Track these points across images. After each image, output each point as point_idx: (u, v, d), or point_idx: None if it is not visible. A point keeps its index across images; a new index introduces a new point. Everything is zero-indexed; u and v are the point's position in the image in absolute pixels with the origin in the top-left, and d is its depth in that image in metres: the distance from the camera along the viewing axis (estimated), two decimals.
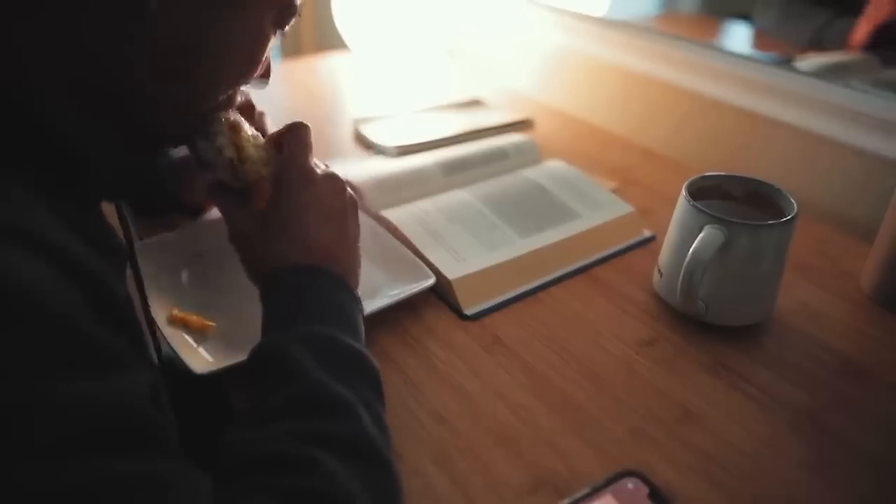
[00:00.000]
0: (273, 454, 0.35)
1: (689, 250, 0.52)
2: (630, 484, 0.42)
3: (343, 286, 0.46)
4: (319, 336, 0.42)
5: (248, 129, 0.50)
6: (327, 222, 0.48)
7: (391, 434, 0.40)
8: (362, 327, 0.46)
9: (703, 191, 0.59)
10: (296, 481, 0.33)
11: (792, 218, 0.53)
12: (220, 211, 0.51)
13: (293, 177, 0.48)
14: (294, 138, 0.49)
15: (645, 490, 0.42)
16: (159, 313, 0.54)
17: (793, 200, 0.55)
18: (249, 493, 0.33)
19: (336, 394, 0.38)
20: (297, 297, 0.45)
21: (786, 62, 0.83)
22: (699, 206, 0.54)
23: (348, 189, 0.50)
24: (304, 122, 0.50)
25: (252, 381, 0.41)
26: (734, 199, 0.59)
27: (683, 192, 0.56)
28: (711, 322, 0.56)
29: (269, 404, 0.38)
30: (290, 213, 0.47)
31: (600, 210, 0.70)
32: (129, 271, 0.53)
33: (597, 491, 0.42)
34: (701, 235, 0.52)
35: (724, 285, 0.54)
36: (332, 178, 0.49)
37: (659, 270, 0.59)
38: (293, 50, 1.90)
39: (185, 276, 0.61)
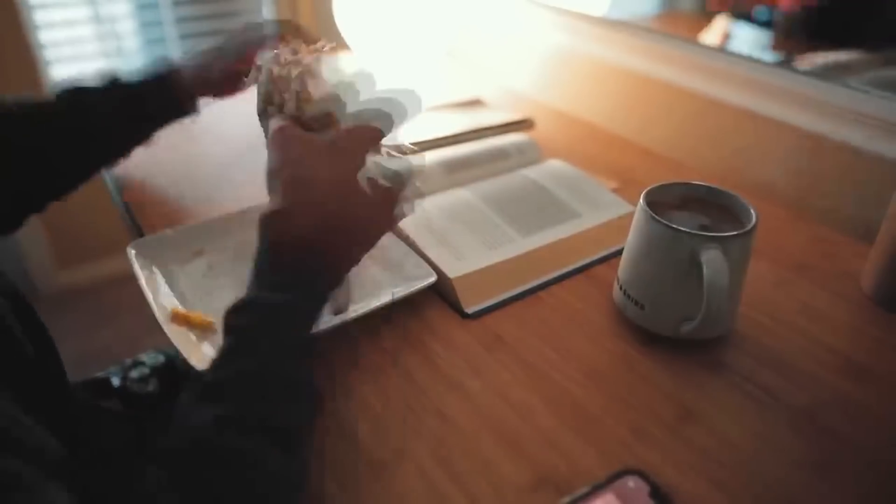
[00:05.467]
0: (208, 444, 0.36)
1: (672, 277, 0.51)
2: (631, 482, 0.42)
3: (319, 299, 0.45)
4: (286, 308, 0.42)
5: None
6: (350, 231, 0.46)
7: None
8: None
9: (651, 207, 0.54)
10: (220, 474, 0.35)
11: (755, 218, 0.52)
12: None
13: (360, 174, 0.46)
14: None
15: (646, 488, 0.42)
16: (161, 312, 0.54)
17: (730, 193, 0.54)
18: (178, 483, 0.34)
19: (282, 377, 0.40)
20: (269, 316, 0.42)
21: (786, 62, 0.83)
22: (688, 230, 0.50)
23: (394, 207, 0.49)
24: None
25: (225, 332, 0.42)
26: (675, 207, 0.56)
27: (659, 220, 0.51)
28: (694, 338, 0.54)
29: (218, 379, 0.39)
30: (335, 192, 0.45)
31: (601, 210, 0.70)
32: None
33: (598, 489, 0.42)
34: (707, 261, 0.48)
35: (713, 300, 0.49)
36: (387, 194, 0.48)
37: (635, 301, 0.55)
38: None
39: (185, 274, 0.61)
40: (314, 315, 0.44)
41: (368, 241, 0.48)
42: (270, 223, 0.44)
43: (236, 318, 0.41)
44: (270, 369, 0.40)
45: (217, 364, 0.40)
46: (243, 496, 0.35)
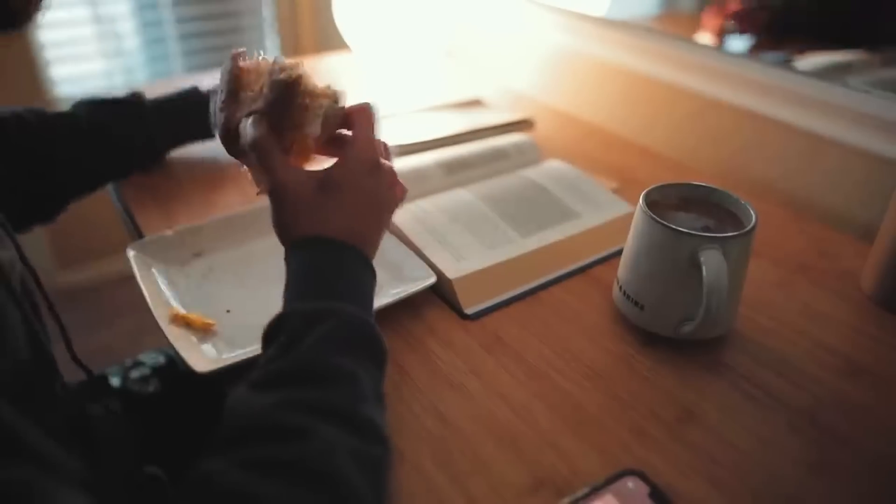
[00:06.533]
0: (268, 423, 0.36)
1: (672, 278, 0.51)
2: (630, 483, 0.42)
3: (368, 266, 0.48)
4: (332, 311, 0.42)
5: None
6: (374, 210, 0.49)
7: (387, 415, 0.41)
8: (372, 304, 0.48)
9: (651, 207, 0.54)
10: (285, 451, 0.34)
11: (755, 219, 0.52)
12: (268, 159, 0.49)
13: (361, 157, 0.49)
14: (365, 117, 0.51)
15: (645, 489, 0.42)
16: (160, 313, 0.54)
17: (730, 193, 0.55)
18: (240, 465, 0.33)
19: (338, 367, 0.39)
20: (323, 267, 0.46)
21: (786, 62, 0.83)
22: (688, 230, 0.50)
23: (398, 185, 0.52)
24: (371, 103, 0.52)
25: (264, 348, 0.43)
26: (674, 208, 0.56)
27: (658, 220, 0.51)
28: (694, 338, 0.54)
29: (272, 370, 0.39)
30: (346, 190, 0.48)
31: (600, 210, 0.70)
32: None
33: (597, 490, 0.42)
34: (706, 261, 0.49)
35: (712, 300, 0.49)
36: (390, 172, 0.51)
37: (634, 302, 0.55)
38: (293, 50, 1.90)
39: (185, 275, 0.61)
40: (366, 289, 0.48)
41: (387, 209, 0.52)
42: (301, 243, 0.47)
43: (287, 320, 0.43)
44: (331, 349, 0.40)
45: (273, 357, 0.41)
46: (303, 471, 0.34)
